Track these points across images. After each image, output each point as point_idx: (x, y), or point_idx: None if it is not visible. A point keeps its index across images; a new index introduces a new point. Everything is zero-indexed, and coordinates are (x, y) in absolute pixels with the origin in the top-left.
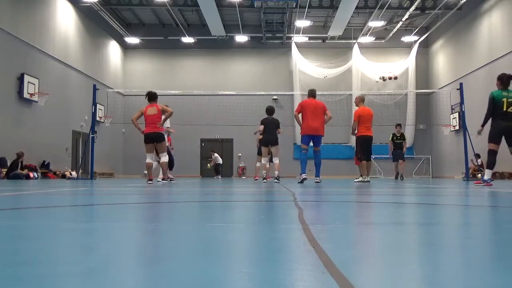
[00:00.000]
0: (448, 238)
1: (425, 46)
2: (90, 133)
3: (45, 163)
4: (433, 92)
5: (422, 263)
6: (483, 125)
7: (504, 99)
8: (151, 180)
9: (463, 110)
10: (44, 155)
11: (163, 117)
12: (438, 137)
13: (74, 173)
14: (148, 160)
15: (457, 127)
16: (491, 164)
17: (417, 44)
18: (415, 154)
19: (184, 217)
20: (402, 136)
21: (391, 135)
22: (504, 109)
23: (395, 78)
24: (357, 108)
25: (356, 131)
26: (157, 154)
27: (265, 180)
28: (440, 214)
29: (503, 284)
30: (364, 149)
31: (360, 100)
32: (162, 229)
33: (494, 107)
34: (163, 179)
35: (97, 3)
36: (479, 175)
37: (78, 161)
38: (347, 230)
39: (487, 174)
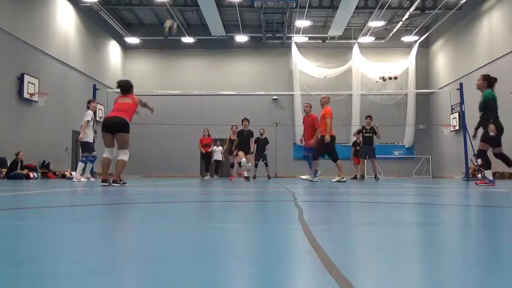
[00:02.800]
0: (448, 238)
1: (425, 46)
2: None
3: (45, 163)
4: (433, 92)
5: (422, 263)
6: (492, 123)
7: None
8: (106, 181)
9: (463, 110)
10: (44, 155)
11: (145, 104)
12: (438, 137)
13: (74, 173)
14: (105, 155)
15: (457, 127)
16: (489, 164)
17: (417, 44)
18: (415, 154)
19: (184, 217)
20: (372, 130)
21: (361, 127)
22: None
23: (395, 78)
24: (325, 107)
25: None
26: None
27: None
28: (440, 214)
29: (503, 284)
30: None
31: (328, 100)
32: (162, 229)
33: (495, 107)
34: (114, 181)
35: (97, 3)
36: (479, 175)
37: (78, 161)
38: (347, 230)
39: (489, 174)
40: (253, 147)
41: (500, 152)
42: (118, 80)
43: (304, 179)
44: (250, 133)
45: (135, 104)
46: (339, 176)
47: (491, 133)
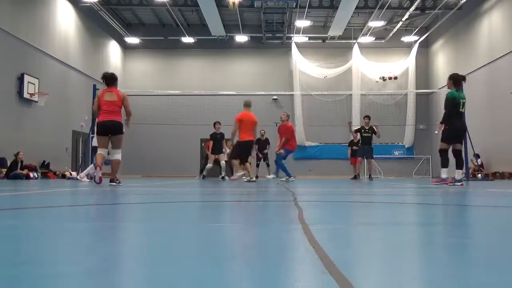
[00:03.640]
0: (448, 238)
1: (425, 46)
2: (90, 133)
3: (45, 163)
4: (433, 92)
5: (422, 263)
6: (442, 123)
7: (461, 100)
8: (113, 180)
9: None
10: (44, 155)
11: (129, 108)
12: (438, 137)
13: (74, 173)
14: (100, 151)
15: None
16: (446, 163)
17: (417, 44)
18: (415, 154)
19: (184, 217)
20: (371, 130)
21: (359, 127)
22: (460, 109)
23: (395, 78)
24: (245, 110)
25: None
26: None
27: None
28: (439, 214)
29: (503, 284)
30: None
31: (244, 104)
32: (162, 229)
33: (453, 107)
34: (111, 181)
35: (97, 3)
36: (479, 175)
37: (78, 161)
38: (347, 230)
39: (444, 173)
40: (226, 147)
41: (446, 150)
42: (104, 72)
43: (284, 180)
44: (222, 135)
45: (120, 100)
46: (239, 173)
47: (436, 132)
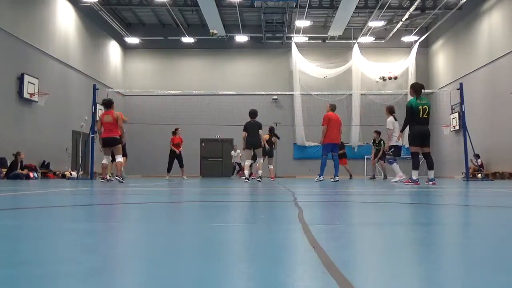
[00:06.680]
0: (448, 238)
1: (425, 46)
2: (90, 133)
3: (45, 163)
4: (433, 92)
5: (422, 263)
6: (402, 131)
7: (420, 107)
8: (104, 179)
9: (463, 110)
10: (44, 155)
11: (122, 126)
12: (438, 137)
13: (74, 173)
14: (104, 161)
15: (457, 127)
16: (416, 165)
17: (417, 44)
18: None
19: (184, 217)
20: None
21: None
22: (421, 115)
23: (395, 78)
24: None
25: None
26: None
27: (246, 180)
28: (439, 214)
29: (503, 284)
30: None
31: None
32: (162, 229)
33: (412, 114)
34: (117, 176)
35: (97, 3)
36: (479, 175)
37: (78, 161)
38: (347, 230)
39: (414, 174)
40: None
41: (416, 152)
42: (103, 99)
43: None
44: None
45: (115, 120)
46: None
47: (397, 140)
